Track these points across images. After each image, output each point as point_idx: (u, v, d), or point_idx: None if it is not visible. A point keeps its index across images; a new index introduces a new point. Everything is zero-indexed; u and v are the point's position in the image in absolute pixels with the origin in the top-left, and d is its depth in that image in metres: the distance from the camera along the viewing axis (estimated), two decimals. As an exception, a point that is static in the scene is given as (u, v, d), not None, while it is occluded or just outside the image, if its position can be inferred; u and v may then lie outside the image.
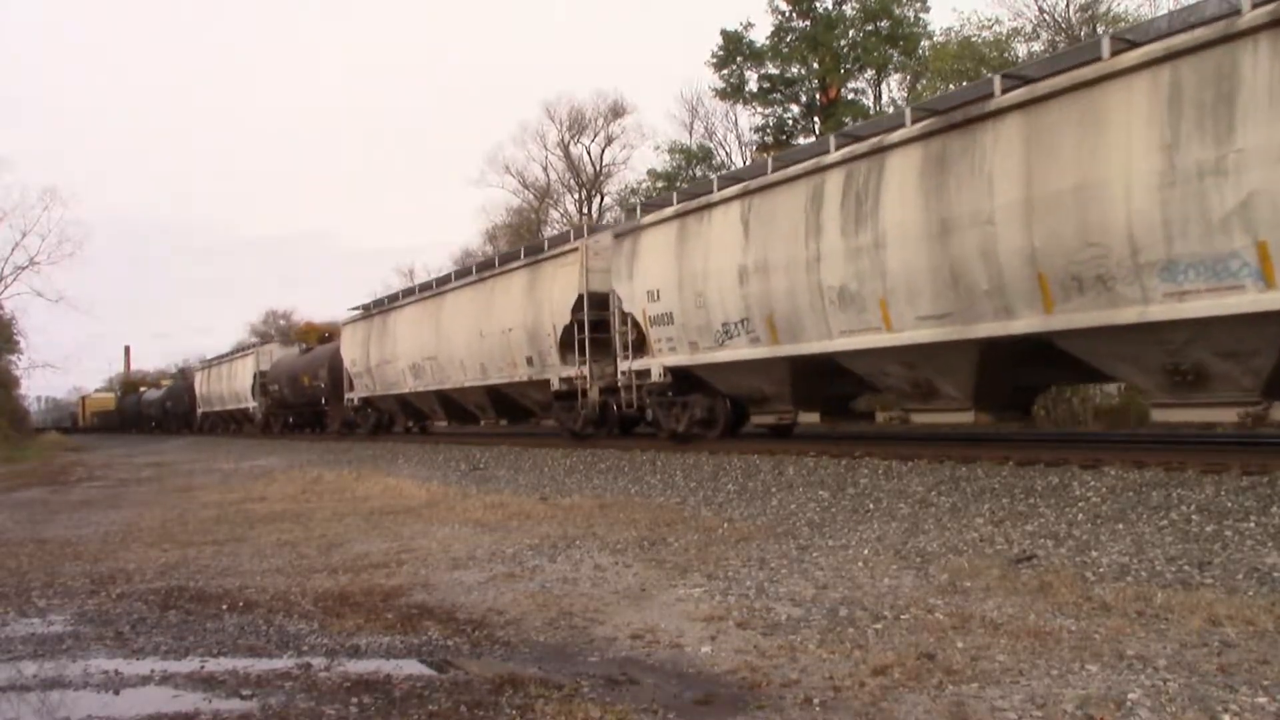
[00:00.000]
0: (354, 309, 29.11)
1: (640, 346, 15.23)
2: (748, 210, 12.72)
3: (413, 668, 4.72)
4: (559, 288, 17.26)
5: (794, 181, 11.91)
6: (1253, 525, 6.37)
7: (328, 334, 37.40)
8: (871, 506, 8.69)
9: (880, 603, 5.39)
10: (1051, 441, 12.02)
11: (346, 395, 28.57)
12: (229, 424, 45.99)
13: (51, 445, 48.65)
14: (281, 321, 76.00)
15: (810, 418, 13.55)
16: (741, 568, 6.62)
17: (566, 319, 16.93)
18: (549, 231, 43.63)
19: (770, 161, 12.82)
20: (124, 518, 12.13)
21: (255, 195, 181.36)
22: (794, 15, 32.52)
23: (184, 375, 62.79)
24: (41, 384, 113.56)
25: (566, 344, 17.08)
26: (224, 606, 6.30)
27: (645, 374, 15.06)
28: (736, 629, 5.05)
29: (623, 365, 15.60)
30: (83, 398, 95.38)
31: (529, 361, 18.39)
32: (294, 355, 36.75)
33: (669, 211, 14.50)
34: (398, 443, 24.04)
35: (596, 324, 16.47)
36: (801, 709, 3.81)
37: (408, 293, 25.53)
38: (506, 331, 19.01)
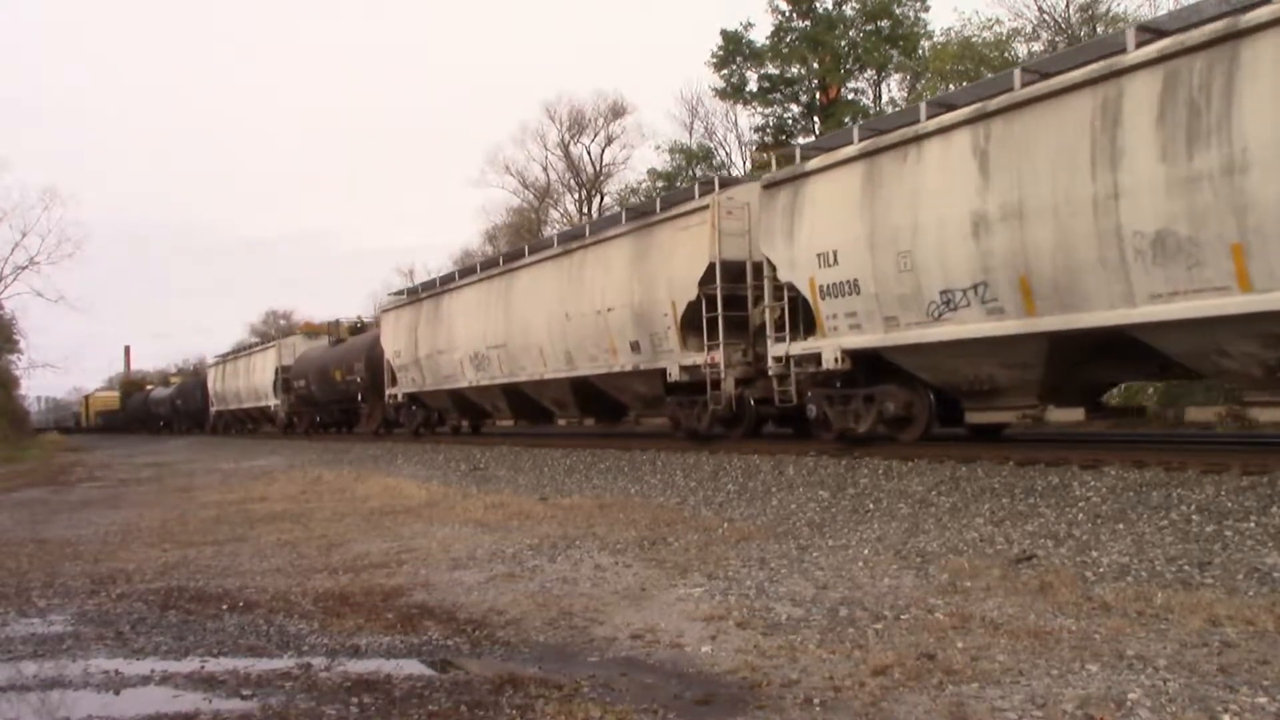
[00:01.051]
0: (396, 293, 26.06)
1: (797, 325, 12.30)
2: (984, 139, 9.61)
3: (413, 668, 4.72)
4: (682, 256, 14.01)
5: (1066, 95, 8.89)
6: (1253, 525, 6.36)
7: (359, 323, 33.24)
8: (871, 506, 8.69)
9: (880, 603, 5.39)
10: (1052, 441, 12.00)
11: (388, 391, 24.77)
12: (245, 424, 42.59)
13: (51, 445, 48.65)
14: (282, 321, 75.81)
15: (1067, 415, 10.34)
16: (741, 568, 6.62)
17: (692, 294, 13.69)
18: (549, 231, 43.65)
19: (1019, 73, 9.66)
20: (124, 518, 12.13)
21: (255, 195, 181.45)
22: (794, 15, 32.53)
23: (195, 372, 60.17)
24: (41, 384, 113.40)
25: (689, 325, 13.96)
26: (224, 606, 6.30)
27: (811, 359, 11.96)
28: (736, 629, 5.05)
29: (777, 349, 12.49)
30: (86, 396, 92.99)
31: (634, 348, 15.15)
32: (323, 348, 32.44)
33: (849, 151, 11.33)
34: (397, 443, 24.00)
35: (730, 300, 13.45)
36: (801, 709, 3.81)
37: (465, 272, 21.77)
38: (603, 312, 15.62)
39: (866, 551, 6.94)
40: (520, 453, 16.87)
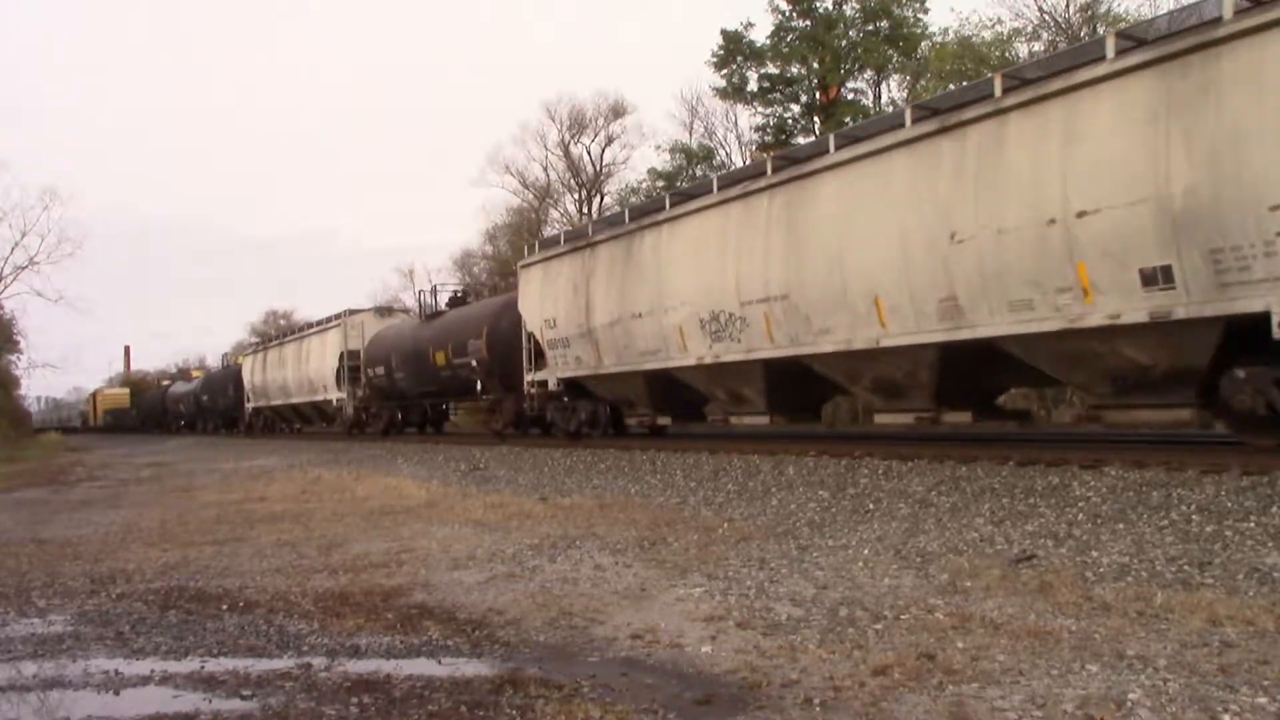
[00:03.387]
0: (547, 239, 19.30)
1: None
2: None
3: (413, 667, 4.72)
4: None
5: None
6: (1253, 525, 6.36)
7: (460, 292, 26.38)
8: (871, 506, 8.69)
9: (880, 603, 5.39)
10: (1051, 441, 12.00)
11: (530, 376, 18.07)
12: (293, 422, 35.89)
13: (52, 445, 48.65)
14: (282, 321, 75.48)
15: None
16: (741, 568, 6.62)
17: None
18: (549, 231, 43.62)
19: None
20: (124, 518, 12.13)
21: (255, 195, 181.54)
22: (794, 15, 32.51)
23: (225, 362, 52.12)
24: (41, 384, 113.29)
25: None
26: (224, 606, 6.30)
27: None
28: (736, 629, 5.05)
29: None
30: (93, 394, 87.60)
31: (1153, 278, 8.18)
32: (411, 325, 25.91)
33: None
34: (397, 443, 23.98)
35: None
36: (802, 709, 3.81)
37: (686, 195, 14.62)
38: (1064, 222, 8.81)
39: (866, 551, 6.94)
40: (520, 453, 16.87)
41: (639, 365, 15.00)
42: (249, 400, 38.71)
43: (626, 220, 15.58)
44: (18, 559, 8.76)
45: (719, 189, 13.38)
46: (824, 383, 12.60)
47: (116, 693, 4.56)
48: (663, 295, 14.25)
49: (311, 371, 31.11)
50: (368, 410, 28.05)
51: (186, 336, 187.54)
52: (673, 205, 14.41)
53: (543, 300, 17.59)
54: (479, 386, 20.62)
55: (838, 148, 11.40)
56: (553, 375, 17.41)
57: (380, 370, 25.66)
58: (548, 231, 45.18)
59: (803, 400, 13.34)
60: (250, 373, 38.47)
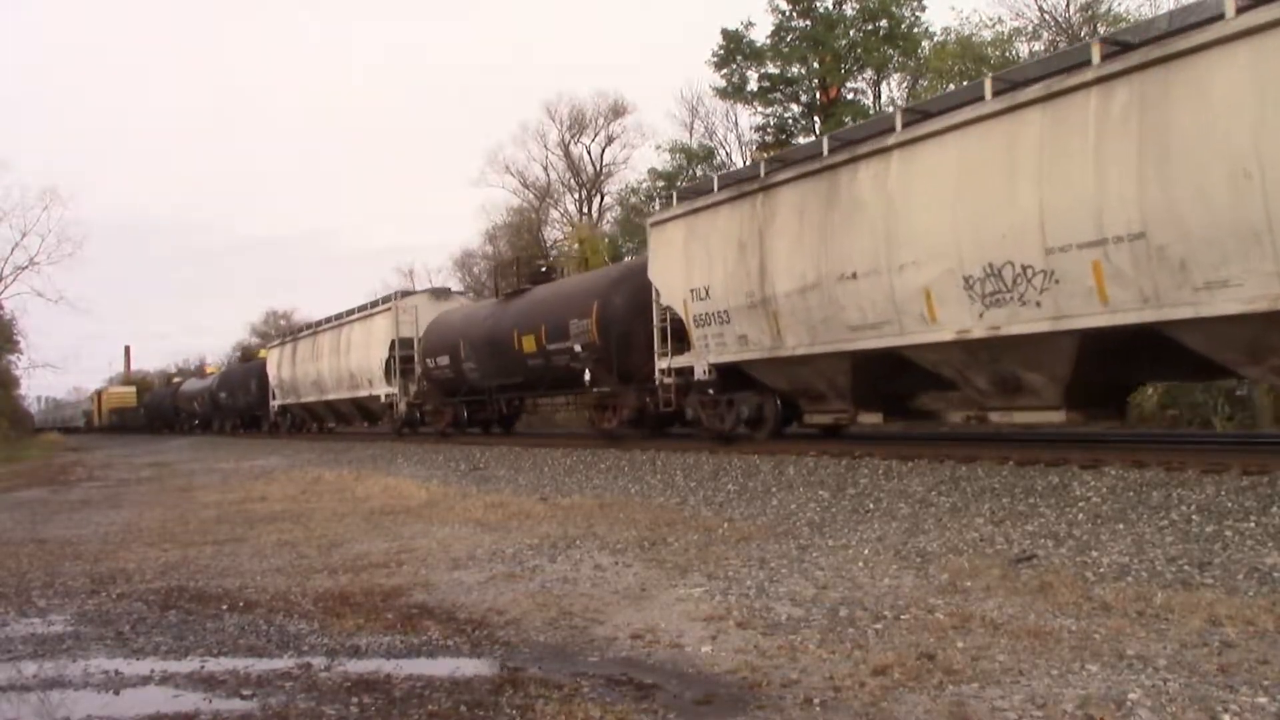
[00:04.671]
0: (687, 186, 15.99)
1: None
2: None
3: (413, 667, 4.72)
4: None
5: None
6: (1253, 525, 6.37)
7: (545, 266, 22.61)
8: (872, 506, 8.69)
9: (880, 603, 5.39)
10: (1052, 441, 12.00)
11: (663, 363, 14.55)
12: (326, 421, 32.07)
13: (52, 445, 48.68)
14: (282, 321, 75.35)
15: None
16: (742, 568, 6.62)
17: None
18: (550, 232, 43.57)
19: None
20: (124, 518, 12.13)
21: (255, 195, 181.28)
22: (794, 15, 32.52)
23: (245, 355, 48.39)
24: (41, 384, 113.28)
25: None
26: (224, 606, 6.30)
27: None
28: (737, 629, 5.05)
29: None
30: (98, 392, 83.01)
31: None
32: (485, 307, 22.17)
33: None
34: (397, 443, 23.94)
35: None
36: (802, 709, 3.81)
37: (922, 113, 10.76)
38: None
39: (866, 551, 6.94)
40: (520, 453, 16.87)
41: (846, 344, 11.25)
42: (274, 397, 34.99)
43: (825, 151, 11.60)
44: (18, 559, 8.76)
45: (994, 95, 9.62)
46: (1164, 365, 9.53)
47: (116, 693, 4.56)
48: (895, 248, 10.44)
49: (353, 364, 27.09)
50: (421, 407, 24.23)
51: (186, 336, 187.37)
52: (908, 125, 10.58)
53: (688, 265, 13.78)
54: (586, 377, 16.47)
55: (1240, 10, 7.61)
56: (700, 360, 13.62)
57: (442, 361, 21.83)
58: (549, 233, 45.27)
59: (1110, 389, 10.05)
60: (276, 367, 34.53)
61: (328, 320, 30.34)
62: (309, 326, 32.81)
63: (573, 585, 6.37)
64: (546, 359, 17.70)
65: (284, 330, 51.24)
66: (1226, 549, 6.02)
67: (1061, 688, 3.83)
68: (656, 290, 14.67)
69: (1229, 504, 6.89)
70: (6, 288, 47.43)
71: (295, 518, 11.01)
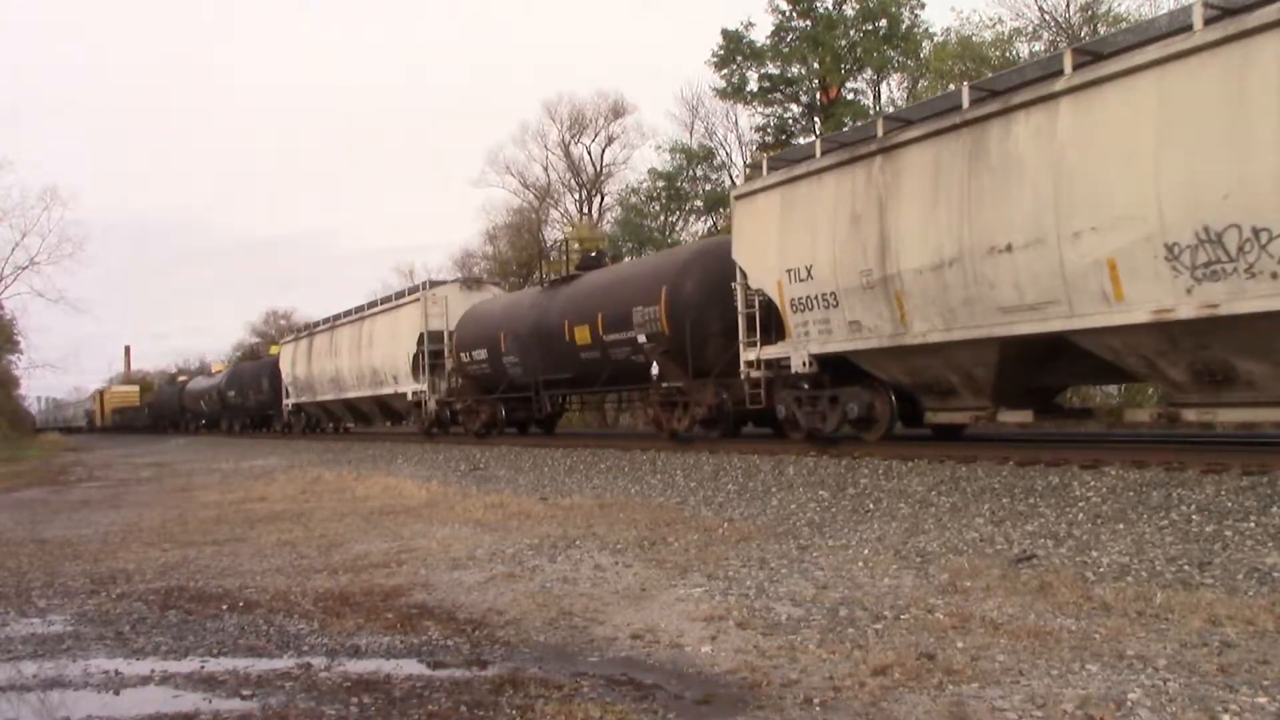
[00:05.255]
0: (783, 155, 13.12)
1: None
2: None
3: (413, 668, 4.72)
4: None
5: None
6: (1253, 525, 6.37)
7: (596, 251, 20.40)
8: (871, 506, 8.69)
9: (880, 603, 5.39)
10: (1051, 441, 11.99)
11: (750, 354, 12.79)
12: (346, 420, 30.21)
13: (52, 445, 48.68)
14: (282, 321, 75.19)
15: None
16: (741, 568, 6.62)
17: None
18: (550, 232, 43.56)
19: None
20: (124, 518, 12.13)
21: (255, 195, 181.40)
22: (794, 15, 32.53)
23: (255, 353, 46.18)
24: (41, 384, 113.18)
25: None
26: (224, 606, 6.30)
27: None
28: (736, 629, 5.05)
29: None
30: (100, 392, 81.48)
31: None
32: (529, 295, 20.25)
33: None
34: (397, 443, 23.92)
35: None
36: (801, 709, 3.81)
37: (1097, 51, 8.97)
38: None
39: (866, 551, 6.94)
40: (520, 453, 16.86)
41: (994, 329, 9.58)
42: (287, 396, 33.18)
43: (965, 103, 9.84)
44: (18, 559, 8.76)
45: (1205, 24, 7.85)
46: None
47: (116, 693, 4.56)
48: (1066, 212, 8.83)
49: (376, 359, 25.24)
50: (451, 406, 22.29)
51: (186, 336, 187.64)
52: (1080, 67, 8.89)
53: (784, 241, 12.05)
54: (653, 371, 14.65)
55: None
56: (798, 350, 11.94)
57: (479, 355, 20.10)
58: (549, 233, 45.27)
59: None
60: (290, 363, 32.63)
61: (347, 313, 28.41)
62: (326, 321, 30.15)
63: (573, 585, 6.37)
64: (603, 351, 15.98)
65: (283, 329, 50.32)
66: (1226, 549, 6.02)
67: (1061, 688, 3.82)
68: (742, 271, 12.97)
69: (1229, 504, 6.89)
70: (6, 288, 47.47)
71: (295, 518, 11.01)
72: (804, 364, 11.97)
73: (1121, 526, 6.80)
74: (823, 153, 11.74)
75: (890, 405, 11.69)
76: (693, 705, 3.95)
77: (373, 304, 27.15)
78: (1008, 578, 5.79)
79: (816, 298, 11.67)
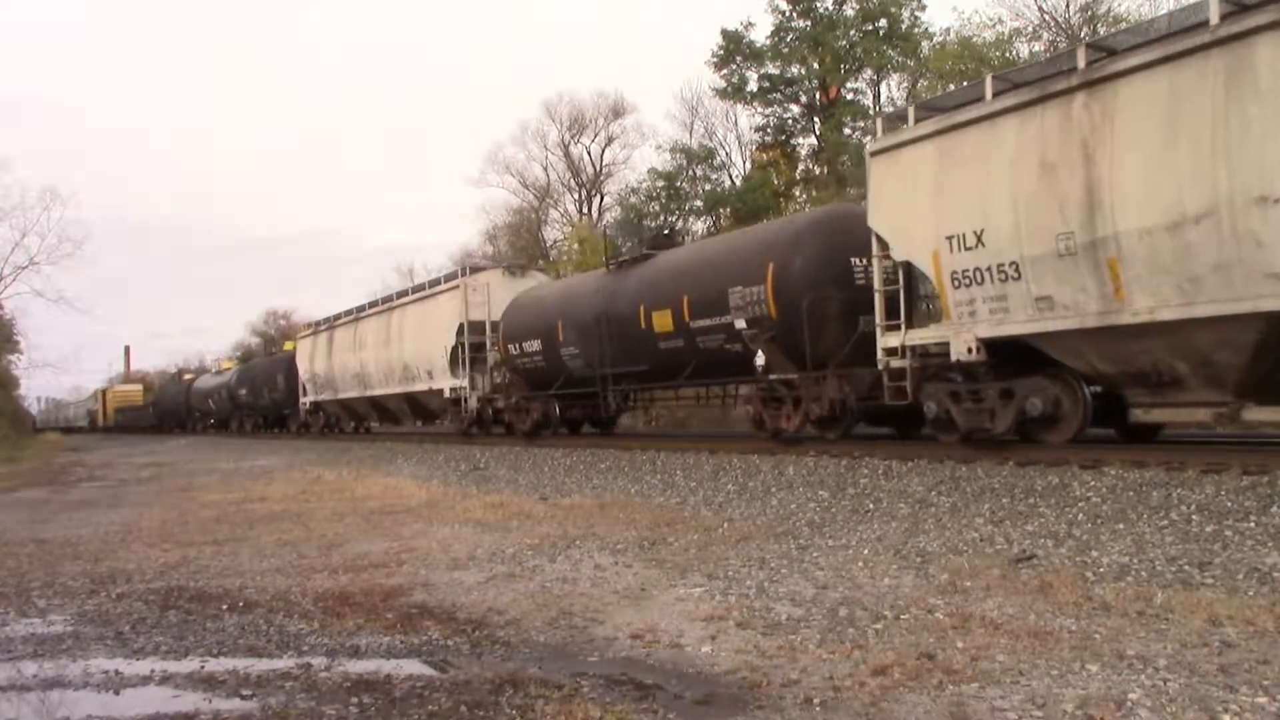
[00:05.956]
0: (933, 101, 11.60)
1: None
2: None
3: (413, 667, 4.72)
4: None
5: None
6: (1253, 525, 6.37)
7: (669, 229, 17.89)
8: (871, 506, 8.69)
9: (880, 603, 5.40)
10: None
11: (891, 340, 11.01)
12: (370, 419, 28.55)
13: (52, 445, 48.70)
14: (282, 321, 75.07)
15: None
16: (741, 568, 6.62)
17: None
18: (550, 232, 43.54)
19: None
20: (124, 518, 12.13)
21: (255, 195, 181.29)
22: (794, 15, 32.55)
23: (268, 348, 43.43)
24: (42, 384, 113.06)
25: None
26: (224, 606, 6.30)
27: None
28: (736, 629, 5.05)
29: None
30: (102, 391, 79.56)
31: None
32: (592, 279, 17.96)
33: None
34: (397, 442, 23.92)
35: None
36: (801, 709, 3.81)
37: None
38: None
39: (866, 551, 6.94)
40: (520, 453, 16.86)
41: (1262, 301, 7.69)
42: (305, 393, 31.26)
43: (1214, 18, 7.95)
44: (18, 559, 8.76)
45: None
46: None
47: (116, 693, 4.56)
48: None
49: (408, 353, 23.37)
50: (493, 404, 20.42)
51: (186, 336, 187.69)
52: None
53: (942, 202, 10.23)
54: (758, 361, 12.81)
55: None
56: (961, 334, 10.11)
57: (531, 346, 18.28)
58: (548, 233, 45.27)
59: None
60: (309, 359, 30.47)
61: (372, 304, 26.67)
62: (348, 312, 28.25)
63: (573, 585, 6.37)
64: (688, 340, 14.14)
65: (283, 329, 49.82)
66: (1226, 549, 6.02)
67: (1061, 688, 3.83)
68: (881, 241, 11.07)
69: (1229, 504, 6.89)
70: (6, 288, 47.44)
71: (295, 517, 11.01)
72: (969, 350, 9.99)
73: (1121, 526, 6.80)
74: (995, 93, 9.75)
75: (1084, 401, 9.72)
76: (693, 705, 3.95)
77: (402, 293, 25.33)
78: (1008, 578, 5.79)
79: (989, 269, 9.74)
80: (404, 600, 6.22)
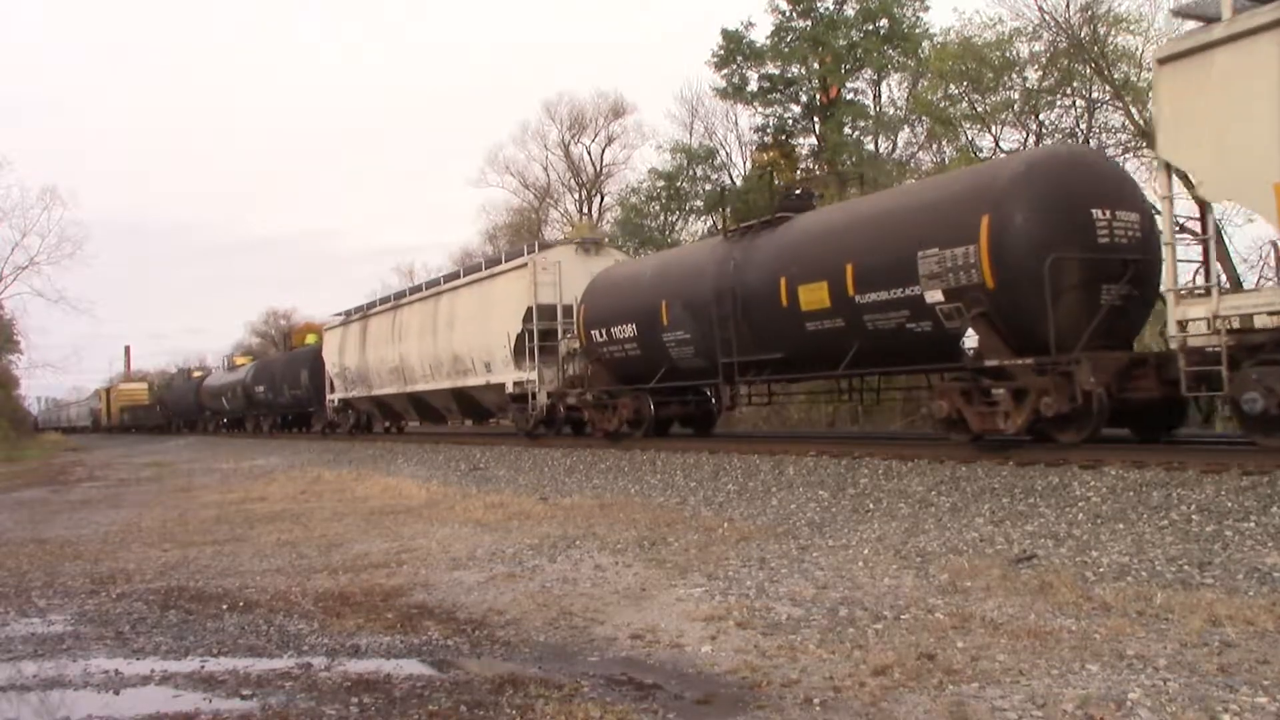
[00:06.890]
0: None
1: None
2: None
3: (413, 667, 4.72)
4: None
5: None
6: (1253, 525, 6.36)
7: (800, 189, 16.36)
8: (872, 506, 8.69)
9: (880, 603, 5.39)
10: (1051, 441, 11.90)
11: (1200, 310, 8.31)
12: (410, 418, 26.06)
13: (52, 445, 48.70)
14: (282, 321, 74.89)
15: None
16: (741, 568, 6.62)
17: None
18: (550, 232, 43.55)
19: None
20: (124, 518, 12.13)
21: (255, 195, 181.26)
22: (794, 15, 32.53)
23: (288, 343, 40.30)
24: (42, 384, 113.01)
25: None
26: (224, 606, 6.30)
27: None
28: (737, 629, 5.05)
29: None
30: (106, 390, 77.19)
31: None
32: (704, 249, 15.13)
33: None
34: (397, 442, 23.91)
35: None
36: (802, 709, 3.81)
37: None
38: None
39: (866, 551, 6.94)
40: (520, 453, 16.84)
41: None
42: (333, 390, 28.44)
43: None
44: (18, 559, 8.76)
45: None
46: None
47: (116, 692, 4.56)
48: None
49: (460, 343, 20.42)
50: (564, 399, 17.62)
51: (186, 336, 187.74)
52: None
53: None
54: (966, 342, 9.95)
55: None
56: None
57: (623, 332, 15.52)
58: (548, 233, 45.24)
59: None
60: (338, 352, 27.41)
61: (415, 289, 23.91)
62: (385, 300, 25.76)
63: (573, 585, 6.37)
64: (851, 319, 11.29)
65: (283, 329, 49.27)
66: (1226, 549, 6.01)
67: (1061, 687, 3.82)
68: (1180, 177, 8.81)
69: (1229, 504, 6.88)
70: (6, 288, 47.36)
71: (295, 518, 11.01)
72: None
73: (1121, 526, 6.80)
74: None
75: None
76: (693, 705, 3.95)
77: (452, 275, 22.55)
78: (1008, 578, 5.78)
79: None
80: (404, 600, 6.22)
